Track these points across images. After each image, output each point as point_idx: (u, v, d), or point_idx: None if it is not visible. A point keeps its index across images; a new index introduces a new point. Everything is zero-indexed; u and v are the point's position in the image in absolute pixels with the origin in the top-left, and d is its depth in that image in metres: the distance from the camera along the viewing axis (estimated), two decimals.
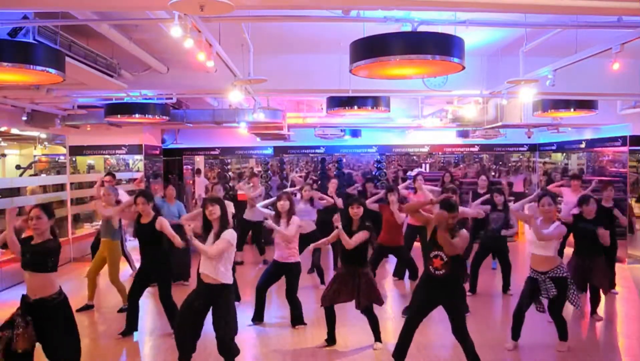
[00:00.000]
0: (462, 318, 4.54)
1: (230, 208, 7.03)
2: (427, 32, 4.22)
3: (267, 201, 6.96)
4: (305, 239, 6.82)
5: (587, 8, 3.78)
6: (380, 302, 5.20)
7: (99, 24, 4.91)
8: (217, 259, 4.41)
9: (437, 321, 6.01)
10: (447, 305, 4.52)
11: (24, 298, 3.93)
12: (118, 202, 6.76)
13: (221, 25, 5.04)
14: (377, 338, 5.30)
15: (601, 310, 6.75)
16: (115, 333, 5.75)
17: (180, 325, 4.66)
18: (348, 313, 5.76)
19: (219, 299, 4.46)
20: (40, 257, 3.90)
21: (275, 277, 5.97)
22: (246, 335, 5.72)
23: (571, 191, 8.16)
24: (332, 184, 8.72)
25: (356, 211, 5.16)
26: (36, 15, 4.57)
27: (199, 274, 4.55)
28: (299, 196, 7.85)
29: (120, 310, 6.51)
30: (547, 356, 5.14)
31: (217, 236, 4.43)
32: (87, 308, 6.74)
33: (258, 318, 6.07)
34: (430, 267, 4.50)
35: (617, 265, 9.04)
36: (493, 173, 15.67)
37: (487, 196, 7.32)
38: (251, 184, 9.63)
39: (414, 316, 4.65)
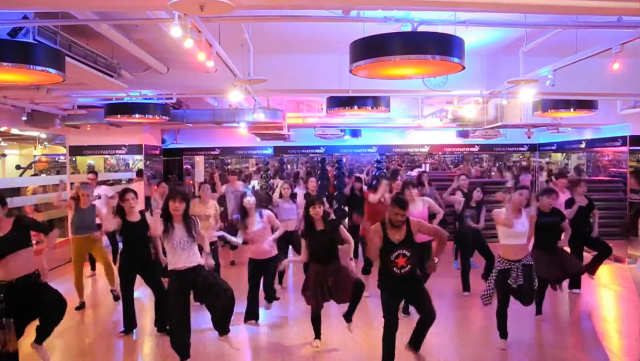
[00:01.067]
0: (429, 296, 4.59)
1: (213, 209, 6.99)
2: (427, 32, 4.22)
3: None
4: (287, 238, 6.88)
5: (587, 8, 3.78)
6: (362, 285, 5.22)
7: (99, 24, 4.91)
8: (195, 245, 4.57)
9: (436, 322, 6.02)
10: (414, 295, 4.58)
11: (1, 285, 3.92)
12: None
13: (221, 25, 5.04)
14: (349, 317, 5.25)
15: (601, 309, 6.77)
16: (115, 331, 5.76)
17: (178, 327, 4.60)
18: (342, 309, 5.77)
19: (203, 274, 4.58)
20: (23, 233, 4.03)
21: (259, 275, 5.94)
22: (244, 334, 5.74)
23: (557, 190, 8.12)
24: (312, 182, 8.66)
25: (317, 210, 5.11)
26: (36, 15, 4.57)
27: (178, 271, 4.53)
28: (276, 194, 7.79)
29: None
30: (545, 355, 5.14)
31: (188, 230, 4.51)
32: (83, 306, 6.78)
33: (254, 316, 6.07)
34: (395, 269, 4.43)
35: (617, 265, 9.08)
36: (492, 173, 15.69)
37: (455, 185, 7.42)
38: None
39: (393, 321, 4.56)
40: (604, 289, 7.48)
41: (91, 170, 9.45)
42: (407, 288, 4.55)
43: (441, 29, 4.30)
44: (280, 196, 7.49)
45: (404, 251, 4.43)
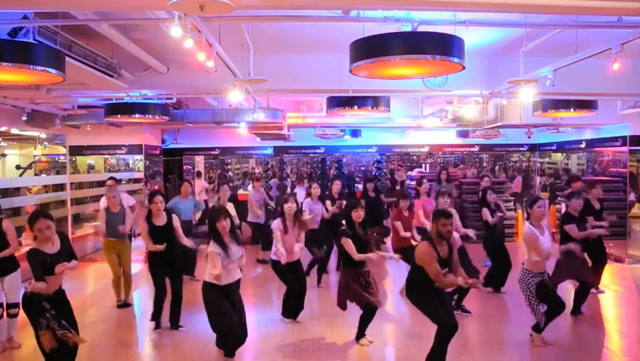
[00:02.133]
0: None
1: (232, 210, 7.07)
2: (427, 32, 4.22)
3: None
4: (318, 234, 6.98)
5: (587, 8, 3.77)
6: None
7: (99, 24, 4.90)
8: (237, 261, 4.75)
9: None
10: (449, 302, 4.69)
11: (42, 296, 4.00)
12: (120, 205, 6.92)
13: (221, 25, 5.04)
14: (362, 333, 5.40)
15: (601, 309, 6.77)
16: (120, 329, 5.80)
17: (237, 328, 4.73)
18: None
19: (237, 293, 4.83)
20: (67, 250, 4.20)
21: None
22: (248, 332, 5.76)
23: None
24: (336, 185, 8.69)
25: (360, 214, 5.22)
26: (36, 15, 4.57)
27: (227, 286, 4.66)
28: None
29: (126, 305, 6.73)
30: (545, 355, 5.14)
31: (238, 242, 4.75)
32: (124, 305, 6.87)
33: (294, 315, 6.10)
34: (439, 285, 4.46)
35: (617, 265, 9.09)
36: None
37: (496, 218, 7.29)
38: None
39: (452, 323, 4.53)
40: (604, 289, 7.47)
41: (110, 177, 9.44)
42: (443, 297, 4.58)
43: (441, 29, 4.29)
44: (310, 196, 7.57)
45: (447, 268, 4.39)
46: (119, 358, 5.30)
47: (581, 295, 6.22)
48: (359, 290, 5.17)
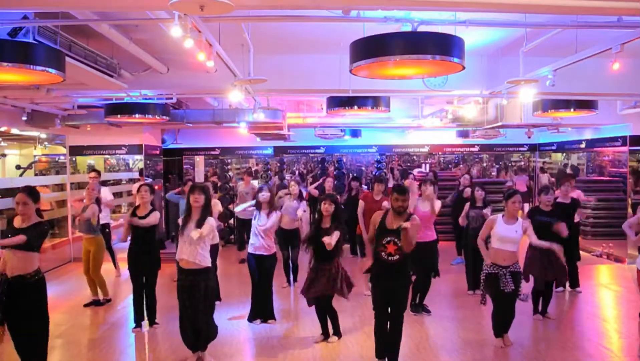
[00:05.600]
0: (405, 305, 4.65)
1: (218, 205, 7.10)
2: (427, 32, 4.22)
3: (245, 205, 6.65)
4: (289, 235, 7.06)
5: (587, 8, 3.78)
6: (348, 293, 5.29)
7: (99, 24, 4.90)
8: (197, 243, 4.59)
9: (436, 322, 6.02)
10: (395, 292, 4.55)
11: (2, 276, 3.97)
12: (98, 199, 6.96)
13: (221, 25, 5.04)
14: (336, 332, 5.44)
15: (601, 309, 6.77)
16: (117, 327, 5.79)
17: (182, 323, 4.77)
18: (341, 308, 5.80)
19: (200, 281, 4.64)
20: (32, 239, 4.01)
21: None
22: (245, 329, 5.75)
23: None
24: (328, 183, 8.74)
25: (327, 207, 5.22)
26: (36, 15, 4.57)
27: (180, 268, 4.69)
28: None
29: (96, 303, 6.77)
30: (545, 355, 5.14)
31: (199, 224, 4.60)
32: (96, 303, 6.85)
33: (263, 315, 6.11)
34: (383, 254, 4.49)
35: (617, 265, 9.09)
36: (494, 173, 15.71)
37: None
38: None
39: (379, 313, 4.63)
40: (604, 289, 7.48)
41: (92, 169, 9.42)
42: (392, 281, 4.55)
43: (441, 29, 4.29)
44: (289, 195, 7.59)
45: (396, 239, 4.45)
46: (115, 358, 5.31)
47: (547, 295, 6.20)
48: (311, 282, 5.21)
